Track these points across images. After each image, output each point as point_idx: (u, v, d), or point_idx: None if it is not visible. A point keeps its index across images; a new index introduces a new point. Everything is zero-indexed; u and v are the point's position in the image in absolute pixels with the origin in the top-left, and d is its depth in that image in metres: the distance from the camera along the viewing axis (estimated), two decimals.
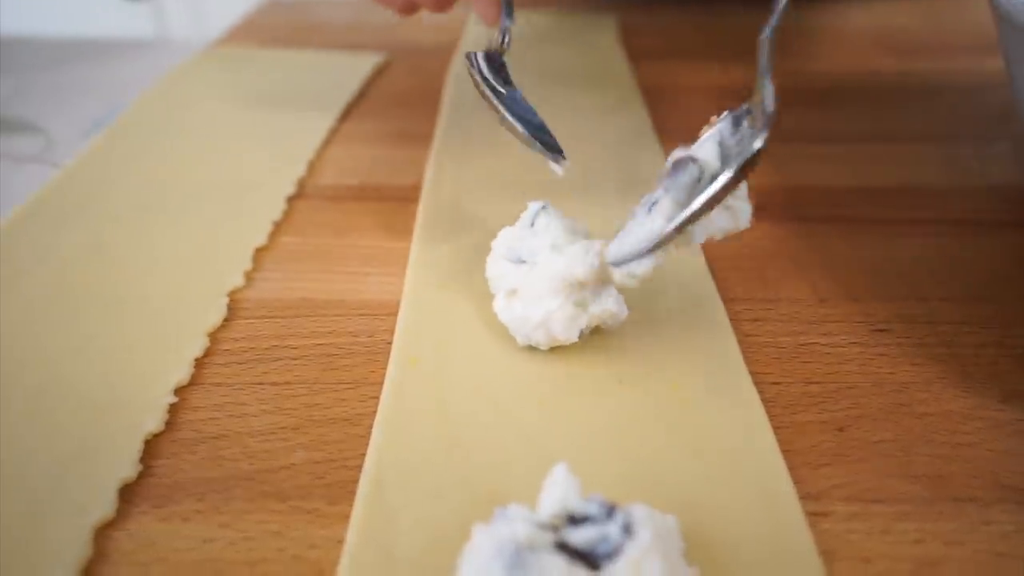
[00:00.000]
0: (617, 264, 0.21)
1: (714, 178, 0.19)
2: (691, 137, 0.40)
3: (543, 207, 0.24)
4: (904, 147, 0.37)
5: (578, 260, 0.22)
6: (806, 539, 0.17)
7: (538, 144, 0.24)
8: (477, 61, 0.27)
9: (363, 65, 0.48)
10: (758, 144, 0.19)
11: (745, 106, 0.21)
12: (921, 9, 0.61)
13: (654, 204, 0.21)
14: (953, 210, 0.32)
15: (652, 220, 0.21)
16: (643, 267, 0.21)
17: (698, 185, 0.20)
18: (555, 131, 0.25)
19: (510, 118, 0.25)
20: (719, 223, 0.21)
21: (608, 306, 0.22)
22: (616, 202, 0.32)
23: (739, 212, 0.21)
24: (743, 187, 0.21)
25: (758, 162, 0.19)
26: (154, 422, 0.21)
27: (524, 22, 0.57)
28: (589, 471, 0.19)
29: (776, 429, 0.20)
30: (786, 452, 0.20)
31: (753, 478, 0.19)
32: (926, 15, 0.60)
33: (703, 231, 0.21)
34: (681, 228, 0.20)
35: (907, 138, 0.38)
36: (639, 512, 0.16)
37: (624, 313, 0.23)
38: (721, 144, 0.21)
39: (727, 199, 0.20)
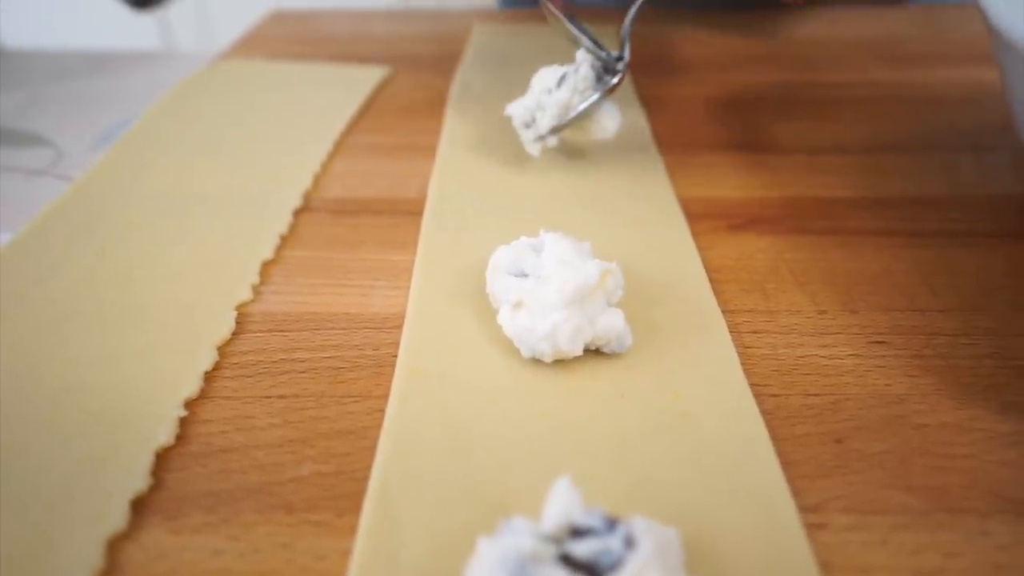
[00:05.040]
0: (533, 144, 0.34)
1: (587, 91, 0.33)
2: (689, 146, 0.41)
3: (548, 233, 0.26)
4: (903, 158, 0.38)
5: (590, 273, 0.23)
6: (804, 550, 0.18)
7: (599, 52, 0.33)
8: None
9: (368, 78, 0.48)
10: (619, 76, 0.33)
11: (615, 54, 0.33)
12: (920, 19, 0.62)
13: (560, 83, 0.33)
14: (952, 221, 0.32)
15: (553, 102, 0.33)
16: (548, 141, 0.34)
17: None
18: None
19: (576, 32, 0.33)
20: (601, 126, 0.34)
21: (613, 323, 0.23)
22: (617, 216, 0.32)
23: (611, 122, 0.34)
24: (613, 109, 0.34)
25: (615, 90, 0.33)
26: (165, 435, 0.21)
27: (525, 33, 0.57)
28: (591, 483, 0.19)
29: (775, 441, 0.21)
30: (785, 464, 0.20)
31: (752, 490, 0.19)
32: (925, 25, 0.60)
33: (591, 131, 0.34)
34: (569, 122, 0.33)
35: (906, 149, 0.39)
36: (640, 525, 0.16)
37: (629, 340, 0.23)
38: (595, 70, 0.33)
39: (599, 112, 0.33)
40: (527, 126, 0.35)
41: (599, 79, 0.33)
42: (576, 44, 0.34)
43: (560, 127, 0.34)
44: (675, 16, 0.62)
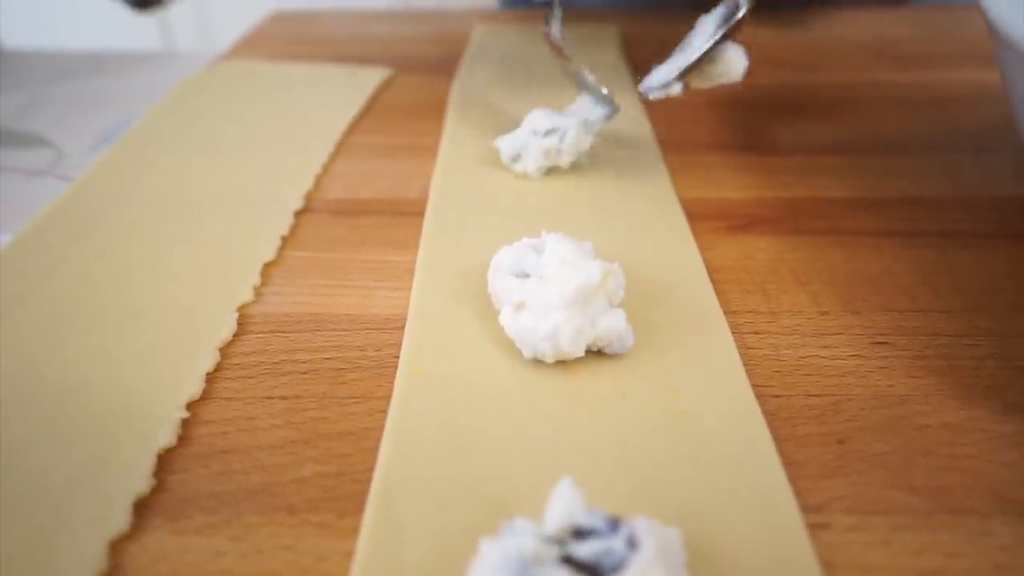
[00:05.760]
0: (648, 89, 0.33)
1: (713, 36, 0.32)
2: (691, 147, 0.41)
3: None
4: (904, 159, 0.38)
5: (592, 274, 0.23)
6: (807, 551, 0.18)
7: (600, 95, 0.35)
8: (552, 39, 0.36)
9: (369, 79, 0.48)
10: (744, 11, 0.31)
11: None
12: (922, 20, 0.62)
13: (684, 47, 0.33)
14: (953, 222, 0.32)
15: (680, 57, 0.33)
16: (672, 89, 0.32)
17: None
18: None
19: (585, 73, 0.35)
20: (727, 67, 0.32)
21: (615, 324, 0.23)
22: (619, 217, 0.32)
23: (737, 62, 0.32)
24: (739, 50, 0.32)
25: (742, 27, 0.31)
26: (167, 436, 0.21)
27: (525, 33, 0.57)
28: (593, 484, 0.19)
29: (777, 441, 0.21)
30: (787, 464, 0.20)
31: (755, 490, 0.19)
32: (927, 26, 0.60)
33: (716, 74, 0.33)
34: (695, 65, 0.32)
35: (907, 150, 0.39)
36: (642, 525, 0.16)
37: (631, 340, 0.23)
38: (719, 18, 0.33)
39: (725, 54, 0.32)
40: (513, 160, 0.35)
41: (587, 129, 0.34)
42: (577, 83, 0.35)
43: (683, 73, 0.32)
44: (676, 17, 0.62)
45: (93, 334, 0.25)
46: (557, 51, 0.35)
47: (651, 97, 0.33)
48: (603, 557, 0.16)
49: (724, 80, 0.33)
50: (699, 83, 0.33)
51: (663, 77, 0.33)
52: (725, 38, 0.31)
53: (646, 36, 0.57)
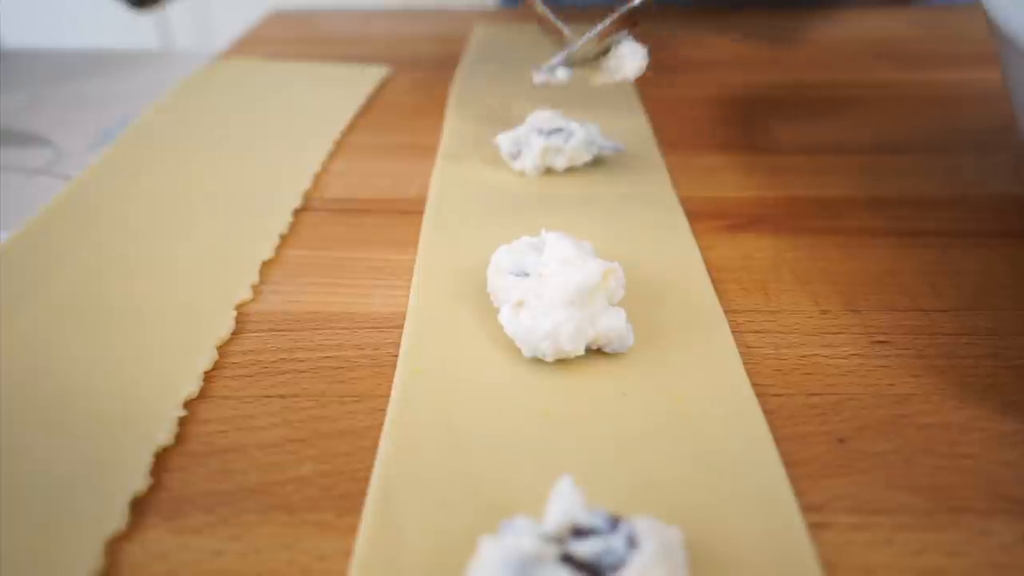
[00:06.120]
0: (537, 72, 0.32)
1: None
2: (691, 147, 0.41)
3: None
4: (904, 158, 0.38)
5: (592, 272, 0.23)
6: (808, 550, 0.18)
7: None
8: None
9: (368, 77, 0.48)
10: (636, 1, 0.31)
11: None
12: (923, 19, 0.62)
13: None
14: (953, 221, 0.32)
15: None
16: (556, 74, 0.32)
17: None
18: None
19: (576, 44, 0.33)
20: (619, 63, 0.32)
21: (615, 323, 0.23)
22: (618, 216, 0.32)
23: (631, 58, 0.32)
24: (635, 46, 0.32)
25: (638, 21, 0.31)
26: (165, 435, 0.21)
27: (525, 33, 0.57)
28: (593, 483, 0.19)
29: (778, 441, 0.21)
30: (788, 464, 0.20)
31: (755, 489, 0.19)
32: (928, 25, 0.60)
33: (607, 68, 0.32)
34: (588, 55, 0.32)
35: (907, 149, 0.39)
36: (643, 524, 0.16)
37: (631, 340, 0.23)
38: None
39: (619, 48, 0.32)
40: (513, 158, 0.35)
41: (590, 144, 0.34)
42: (559, 40, 0.34)
43: (570, 60, 0.32)
44: (677, 17, 0.62)
45: (91, 332, 0.25)
46: (544, 25, 0.34)
47: (535, 80, 0.32)
48: (603, 556, 0.16)
49: (618, 76, 0.32)
50: (595, 76, 0.33)
51: (554, 63, 0.32)
52: (619, 30, 0.31)
53: (645, 36, 0.57)
